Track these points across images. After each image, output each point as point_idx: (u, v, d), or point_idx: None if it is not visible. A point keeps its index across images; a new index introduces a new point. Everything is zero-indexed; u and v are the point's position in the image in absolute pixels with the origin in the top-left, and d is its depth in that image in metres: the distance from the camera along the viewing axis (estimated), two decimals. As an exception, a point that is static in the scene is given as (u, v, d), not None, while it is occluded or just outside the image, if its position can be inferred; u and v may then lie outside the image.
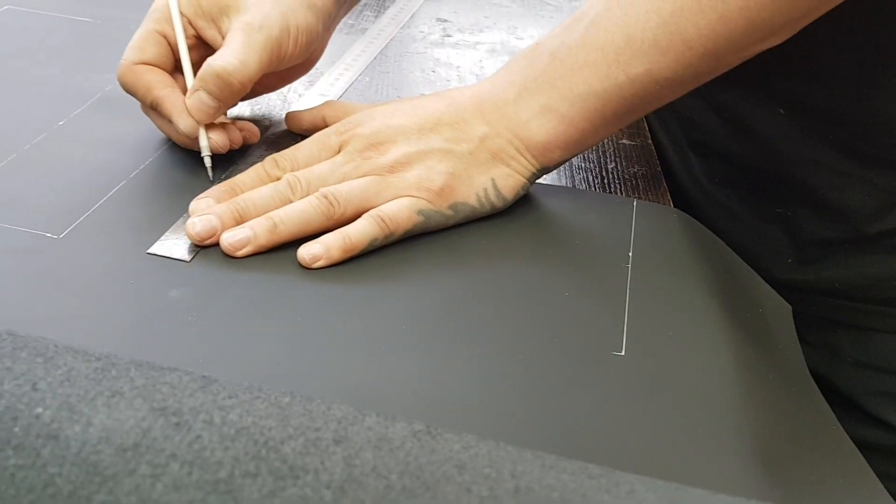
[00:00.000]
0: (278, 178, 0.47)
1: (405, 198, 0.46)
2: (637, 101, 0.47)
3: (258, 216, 0.45)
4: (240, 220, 0.45)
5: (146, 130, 0.53)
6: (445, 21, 0.79)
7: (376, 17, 0.79)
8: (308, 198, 0.46)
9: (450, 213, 0.47)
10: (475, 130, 0.48)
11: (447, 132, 0.48)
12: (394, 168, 0.47)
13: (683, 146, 0.63)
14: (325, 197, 0.45)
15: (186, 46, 0.50)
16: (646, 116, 0.65)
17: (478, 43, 0.74)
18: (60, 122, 0.54)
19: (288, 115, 0.55)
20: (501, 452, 0.24)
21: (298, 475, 0.21)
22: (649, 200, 0.53)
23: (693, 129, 0.61)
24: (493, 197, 0.48)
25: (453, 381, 0.37)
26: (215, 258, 0.43)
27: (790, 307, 0.52)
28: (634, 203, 0.52)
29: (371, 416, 0.25)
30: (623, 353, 0.40)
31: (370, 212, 0.45)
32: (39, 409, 0.22)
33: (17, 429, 0.21)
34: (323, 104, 0.54)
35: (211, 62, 0.48)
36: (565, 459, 0.25)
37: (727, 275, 0.49)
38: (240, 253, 0.44)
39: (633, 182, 0.56)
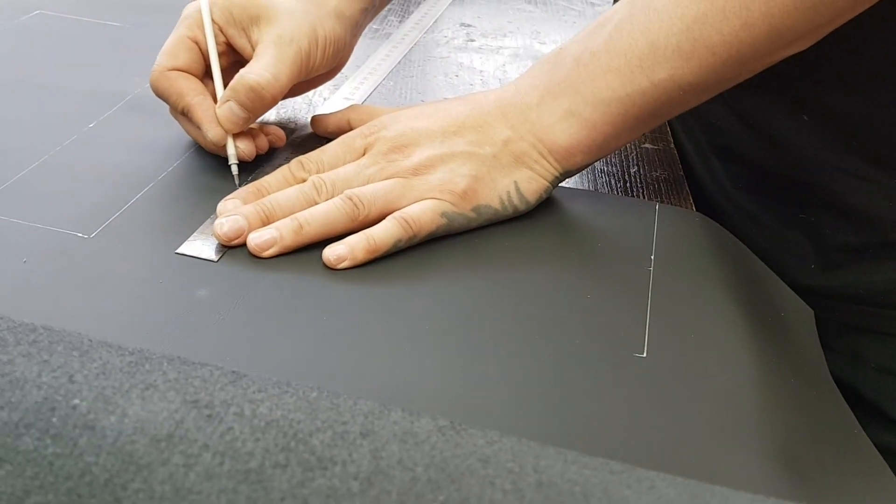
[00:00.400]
0: (304, 180, 0.48)
1: (429, 200, 0.46)
2: (660, 106, 0.47)
3: (284, 217, 0.46)
4: (266, 221, 0.45)
5: (174, 133, 0.54)
6: (469, 26, 0.79)
7: (400, 21, 0.80)
8: (333, 199, 0.46)
9: (473, 215, 0.47)
10: (498, 134, 0.48)
11: (470, 135, 0.48)
12: (418, 170, 0.47)
13: (706, 151, 0.63)
14: (350, 199, 0.46)
15: (217, 54, 0.51)
16: (669, 121, 0.65)
17: (501, 48, 0.75)
18: (91, 125, 0.55)
19: (313, 118, 0.56)
20: (524, 448, 0.24)
21: (327, 466, 0.22)
22: (672, 204, 0.53)
23: (716, 134, 0.61)
24: (515, 200, 0.48)
25: (477, 380, 0.38)
26: (242, 259, 0.44)
27: (812, 311, 0.52)
28: (657, 207, 0.52)
29: (396, 412, 0.25)
30: (645, 355, 0.40)
31: (394, 214, 0.46)
32: (76, 401, 0.23)
33: (54, 419, 0.22)
34: (348, 108, 0.55)
35: (244, 75, 0.49)
36: (587, 456, 0.25)
37: (749, 279, 0.49)
38: (266, 253, 0.44)
39: (656, 186, 0.56)
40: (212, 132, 0.49)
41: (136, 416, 0.22)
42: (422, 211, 0.46)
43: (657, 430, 0.36)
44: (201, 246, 0.44)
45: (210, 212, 0.47)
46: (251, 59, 0.51)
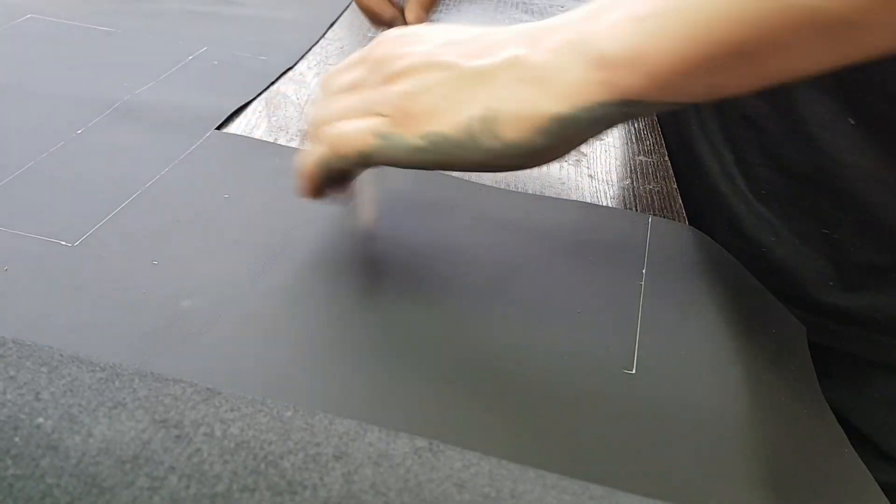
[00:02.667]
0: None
1: (371, 118, 0.38)
2: (768, 44, 0.31)
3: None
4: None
5: (162, 141, 0.53)
6: (464, 35, 0.79)
7: (395, 30, 0.79)
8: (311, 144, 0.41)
9: (420, 143, 0.37)
10: (505, 49, 0.36)
11: (469, 46, 0.37)
12: (388, 79, 0.39)
13: (726, 158, 0.61)
14: (327, 137, 0.39)
15: None
16: (683, 127, 0.63)
17: (495, 57, 0.74)
18: (78, 131, 0.55)
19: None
20: (503, 471, 0.24)
21: (296, 491, 0.21)
22: (664, 217, 0.53)
23: (749, 128, 0.57)
24: (482, 133, 0.36)
25: (463, 396, 0.37)
26: (226, 269, 0.43)
27: (804, 328, 0.51)
28: (649, 220, 0.52)
29: (373, 432, 0.25)
30: (634, 372, 0.40)
31: (325, 132, 0.40)
32: (41, 420, 0.22)
33: (17, 438, 0.21)
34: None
35: None
36: (568, 479, 0.24)
37: (741, 294, 0.49)
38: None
39: (649, 199, 0.55)
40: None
41: (101, 436, 0.22)
42: (355, 129, 0.38)
43: (643, 449, 0.36)
44: None
45: (196, 220, 0.46)
46: None
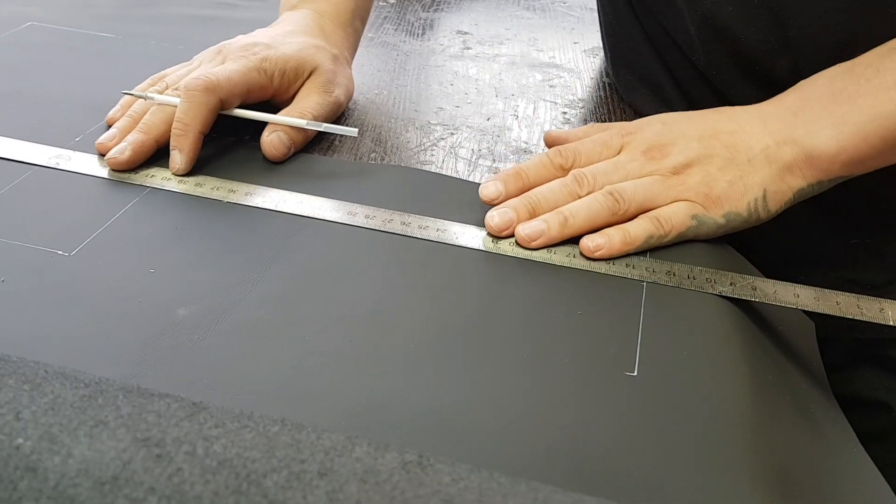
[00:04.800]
0: (560, 168, 0.50)
1: (682, 202, 0.47)
2: None
3: (548, 210, 0.48)
4: (532, 214, 0.48)
5: (160, 150, 0.53)
6: (466, 33, 0.78)
7: (395, 29, 0.79)
8: (595, 194, 0.47)
9: (722, 221, 0.48)
10: (756, 140, 0.48)
11: (727, 139, 0.49)
12: (676, 170, 0.48)
13: None
14: (611, 194, 0.47)
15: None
16: None
17: (497, 55, 0.73)
18: (77, 139, 0.55)
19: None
20: (493, 485, 0.23)
21: (278, 510, 0.21)
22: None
23: None
24: (760, 208, 0.48)
25: (463, 399, 0.37)
26: (222, 278, 0.43)
27: (813, 324, 0.50)
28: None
29: (361, 446, 0.24)
30: (636, 374, 0.39)
31: (648, 213, 0.47)
32: (20, 440, 0.22)
33: (-5, 461, 0.21)
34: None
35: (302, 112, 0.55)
36: (560, 492, 0.24)
37: (746, 291, 0.48)
38: (534, 244, 0.46)
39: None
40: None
41: (81, 457, 0.21)
42: (674, 212, 0.47)
43: (646, 451, 0.35)
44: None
45: (194, 228, 0.46)
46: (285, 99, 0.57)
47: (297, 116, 0.54)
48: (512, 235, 0.47)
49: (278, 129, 0.54)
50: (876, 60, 0.47)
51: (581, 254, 0.47)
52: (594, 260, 0.46)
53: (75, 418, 0.23)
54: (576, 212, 0.47)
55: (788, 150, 0.48)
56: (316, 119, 0.55)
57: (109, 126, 0.55)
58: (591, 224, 0.47)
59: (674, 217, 0.47)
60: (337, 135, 0.57)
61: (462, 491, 0.23)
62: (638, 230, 0.47)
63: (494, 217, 0.47)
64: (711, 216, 0.47)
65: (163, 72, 0.59)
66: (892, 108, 0.46)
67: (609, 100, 0.67)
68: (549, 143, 0.55)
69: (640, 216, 0.47)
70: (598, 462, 0.34)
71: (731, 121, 0.50)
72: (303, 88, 0.57)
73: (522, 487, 0.24)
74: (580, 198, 0.48)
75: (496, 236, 0.47)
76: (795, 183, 0.48)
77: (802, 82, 0.50)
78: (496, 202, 0.49)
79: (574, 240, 0.47)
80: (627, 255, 0.47)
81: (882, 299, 0.46)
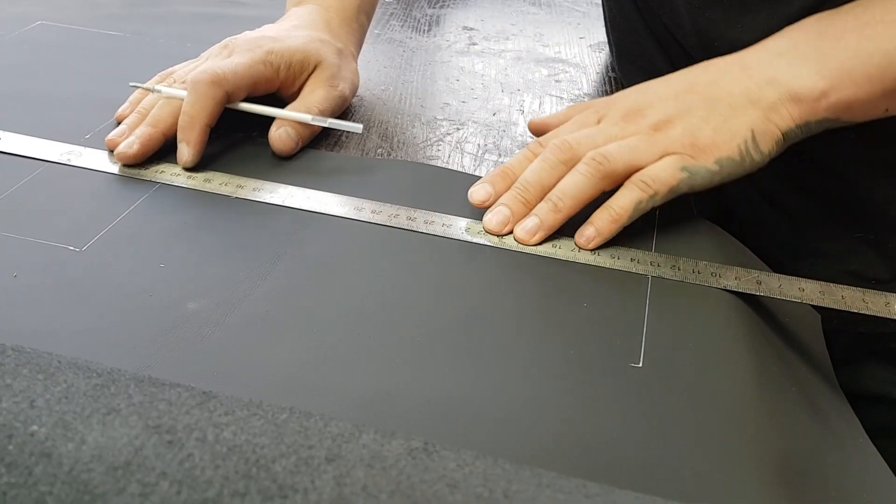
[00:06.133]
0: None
1: (668, 157, 0.46)
2: None
3: (539, 193, 0.47)
4: (525, 202, 0.48)
5: (169, 145, 0.53)
6: (472, 29, 0.79)
7: (402, 26, 0.79)
8: (577, 166, 0.47)
9: (715, 167, 0.47)
10: (735, 86, 0.48)
11: (704, 91, 0.48)
12: (658, 127, 0.47)
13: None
14: (594, 159, 0.46)
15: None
16: None
17: (503, 51, 0.74)
18: (87, 136, 0.55)
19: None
20: (497, 470, 0.24)
21: (287, 495, 0.21)
22: (673, 208, 0.52)
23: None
24: (752, 150, 0.47)
25: (469, 391, 0.37)
26: (231, 270, 0.43)
27: (819, 315, 0.50)
28: (657, 211, 0.51)
29: (368, 433, 0.25)
30: (640, 365, 0.39)
31: (632, 178, 0.46)
32: (35, 427, 0.22)
33: (11, 447, 0.22)
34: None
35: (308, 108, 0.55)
36: (564, 478, 0.24)
37: (752, 284, 0.48)
38: (534, 240, 0.47)
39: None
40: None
41: (94, 443, 0.22)
42: (661, 168, 0.46)
43: (652, 443, 0.35)
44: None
45: (203, 223, 0.46)
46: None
47: (303, 112, 0.55)
48: (512, 231, 0.48)
49: (285, 124, 0.54)
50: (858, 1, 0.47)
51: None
52: (598, 254, 0.46)
53: (88, 406, 0.23)
54: (563, 193, 0.47)
55: (771, 91, 0.47)
56: (322, 113, 0.55)
57: (119, 123, 0.56)
58: (581, 199, 0.47)
59: (661, 174, 0.46)
60: (343, 131, 0.58)
61: (467, 476, 0.23)
62: (624, 201, 0.46)
63: (491, 219, 0.48)
64: (702, 165, 0.46)
65: (171, 68, 0.60)
66: (879, 45, 0.45)
67: (614, 95, 0.67)
68: (533, 130, 0.55)
69: (624, 185, 0.47)
70: (602, 451, 0.34)
71: (707, 72, 0.49)
72: (308, 83, 0.58)
73: (527, 473, 0.24)
74: (566, 168, 0.47)
75: (499, 235, 0.48)
76: (783, 123, 0.47)
77: (789, 27, 0.49)
78: (487, 204, 0.49)
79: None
80: (632, 247, 0.47)
81: (888, 293, 0.46)
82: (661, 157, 0.47)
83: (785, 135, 0.47)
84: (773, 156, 0.48)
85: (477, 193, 0.49)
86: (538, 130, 0.55)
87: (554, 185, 0.48)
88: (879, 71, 0.45)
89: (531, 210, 0.48)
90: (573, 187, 0.47)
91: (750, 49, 0.49)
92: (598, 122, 0.50)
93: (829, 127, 0.48)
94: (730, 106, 0.47)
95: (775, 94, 0.47)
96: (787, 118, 0.47)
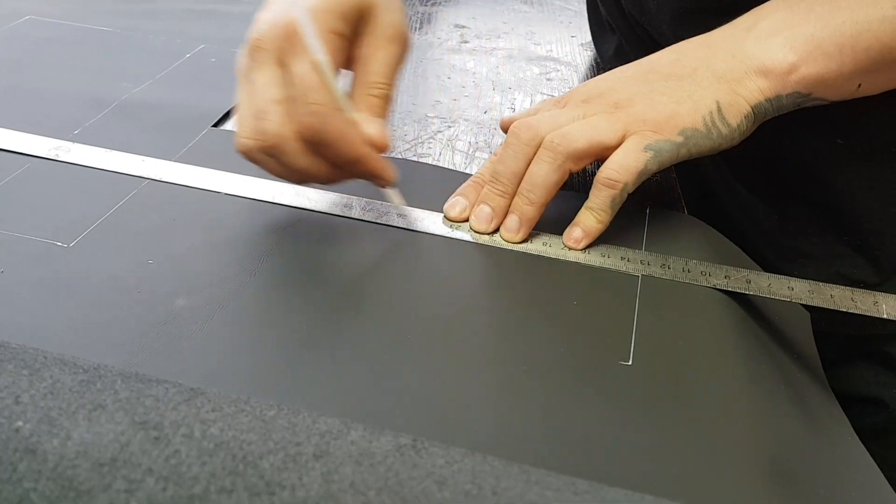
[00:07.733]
0: None
1: (628, 140, 0.45)
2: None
3: (513, 180, 0.47)
4: (503, 194, 0.47)
5: (159, 139, 0.53)
6: (463, 27, 0.78)
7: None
8: (538, 154, 0.46)
9: (679, 139, 0.45)
10: (699, 62, 0.47)
11: (667, 69, 0.47)
12: (619, 105, 0.46)
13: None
14: (552, 141, 0.45)
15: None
16: None
17: (495, 49, 0.74)
18: (76, 131, 0.55)
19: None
20: (486, 467, 0.24)
21: (274, 491, 0.21)
22: (663, 207, 0.52)
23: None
24: (719, 122, 0.45)
25: (458, 389, 0.37)
26: (221, 267, 0.43)
27: (808, 314, 0.51)
28: (647, 210, 0.51)
29: (357, 430, 0.25)
30: (630, 363, 0.39)
31: (597, 177, 0.46)
32: (20, 423, 0.22)
33: (-5, 443, 0.21)
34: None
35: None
36: (553, 475, 0.24)
37: (742, 283, 0.48)
38: (520, 236, 0.47)
39: (647, 188, 0.55)
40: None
41: (80, 439, 0.22)
42: (622, 156, 0.45)
43: (641, 441, 0.35)
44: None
45: (192, 219, 0.46)
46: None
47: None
48: (499, 228, 0.47)
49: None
50: None
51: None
52: (588, 253, 0.46)
53: (74, 402, 0.23)
54: (532, 184, 0.46)
55: (738, 64, 0.46)
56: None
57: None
58: (549, 185, 0.46)
59: (624, 160, 0.45)
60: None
61: (456, 473, 0.23)
62: (599, 201, 0.46)
63: (475, 220, 0.48)
64: (666, 139, 0.45)
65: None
66: (850, 15, 0.44)
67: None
68: (504, 127, 0.53)
69: (593, 185, 0.46)
70: (592, 449, 0.34)
71: (671, 52, 0.49)
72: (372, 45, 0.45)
73: (515, 470, 0.24)
74: (532, 150, 0.46)
75: (487, 233, 0.47)
76: (751, 96, 0.46)
77: (759, 6, 0.48)
78: (465, 216, 0.48)
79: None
80: (622, 246, 0.47)
81: (876, 292, 0.46)
82: (622, 136, 0.45)
83: (755, 108, 0.46)
84: (745, 132, 0.46)
85: (453, 210, 0.48)
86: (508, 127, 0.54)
87: (525, 170, 0.47)
88: (851, 41, 0.44)
89: (510, 200, 0.47)
90: (538, 176, 0.46)
91: (717, 29, 0.49)
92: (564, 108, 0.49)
93: (803, 104, 0.47)
94: (693, 81, 0.46)
95: (742, 67, 0.46)
96: (755, 91, 0.46)
